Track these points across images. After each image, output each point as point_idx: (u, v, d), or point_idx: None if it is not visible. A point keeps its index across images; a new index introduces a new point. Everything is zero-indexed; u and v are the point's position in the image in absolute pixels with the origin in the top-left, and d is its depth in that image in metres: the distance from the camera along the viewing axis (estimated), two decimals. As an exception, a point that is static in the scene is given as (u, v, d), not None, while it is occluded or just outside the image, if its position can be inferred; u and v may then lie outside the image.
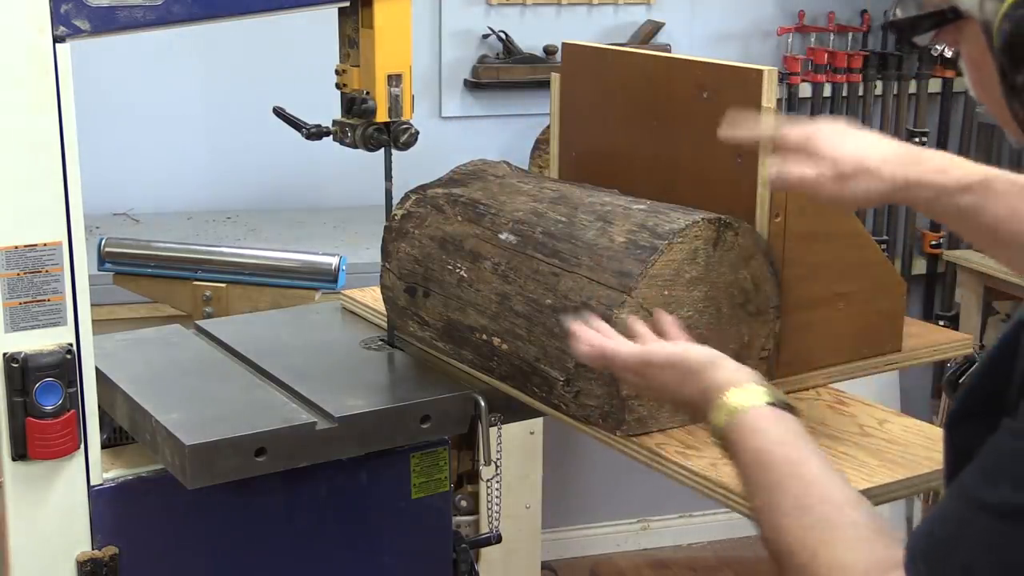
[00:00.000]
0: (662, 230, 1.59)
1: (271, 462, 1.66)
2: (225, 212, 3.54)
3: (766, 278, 1.65)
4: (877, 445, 1.56)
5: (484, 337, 1.76)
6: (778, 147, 1.46)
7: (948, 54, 1.24)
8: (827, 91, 3.93)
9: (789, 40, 3.92)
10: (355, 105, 1.85)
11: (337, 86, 1.90)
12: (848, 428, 1.60)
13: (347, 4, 1.84)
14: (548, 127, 2.34)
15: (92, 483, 1.70)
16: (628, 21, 3.78)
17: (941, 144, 4.06)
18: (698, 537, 4.12)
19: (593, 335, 1.41)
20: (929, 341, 1.87)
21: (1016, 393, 1.00)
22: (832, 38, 3.93)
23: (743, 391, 1.21)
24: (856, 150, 1.39)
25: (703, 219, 1.59)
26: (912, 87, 3.98)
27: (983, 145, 4.05)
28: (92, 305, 1.68)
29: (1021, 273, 1.39)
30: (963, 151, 4.07)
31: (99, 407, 1.71)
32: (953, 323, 3.74)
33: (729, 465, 1.50)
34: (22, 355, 1.61)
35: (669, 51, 3.60)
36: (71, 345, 1.65)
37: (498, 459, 1.92)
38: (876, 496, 1.46)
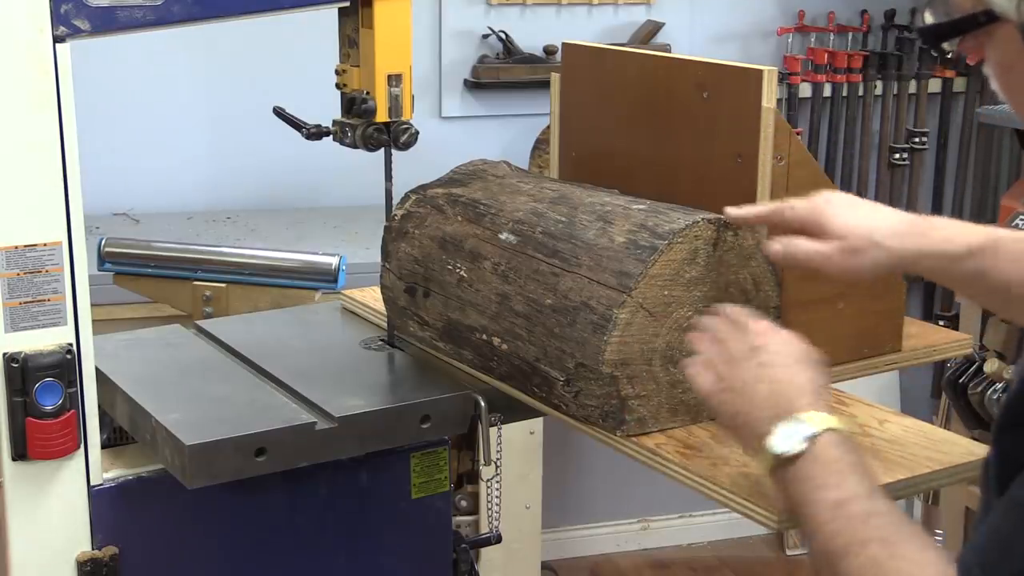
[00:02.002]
0: (662, 230, 1.59)
1: (271, 462, 1.66)
2: (225, 212, 3.54)
3: (766, 278, 1.65)
4: (877, 445, 1.56)
5: (484, 337, 1.76)
6: (784, 221, 1.48)
7: (970, 62, 1.27)
8: (827, 91, 3.93)
9: (789, 40, 3.92)
10: (355, 105, 1.85)
11: (337, 86, 1.90)
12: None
13: (347, 4, 1.84)
14: (548, 127, 2.34)
15: (92, 483, 1.70)
16: (628, 21, 3.78)
17: (941, 144, 4.07)
18: (698, 537, 4.12)
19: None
20: (929, 341, 1.87)
21: None
22: (832, 38, 3.94)
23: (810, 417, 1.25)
24: (864, 223, 1.41)
25: (703, 219, 1.59)
26: (912, 87, 3.99)
27: (983, 145, 4.05)
28: (92, 305, 1.68)
29: None
30: (963, 151, 4.07)
31: (99, 407, 1.71)
32: (953, 323, 3.74)
33: (729, 465, 1.51)
34: (22, 355, 1.61)
35: (669, 51, 3.61)
36: (71, 345, 1.65)
37: (498, 459, 1.92)
38: (876, 496, 1.46)
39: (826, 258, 1.42)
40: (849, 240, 1.41)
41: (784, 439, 1.24)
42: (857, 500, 1.17)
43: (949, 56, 1.30)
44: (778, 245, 1.46)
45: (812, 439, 1.22)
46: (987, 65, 1.14)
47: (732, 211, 1.52)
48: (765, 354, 1.34)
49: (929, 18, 1.15)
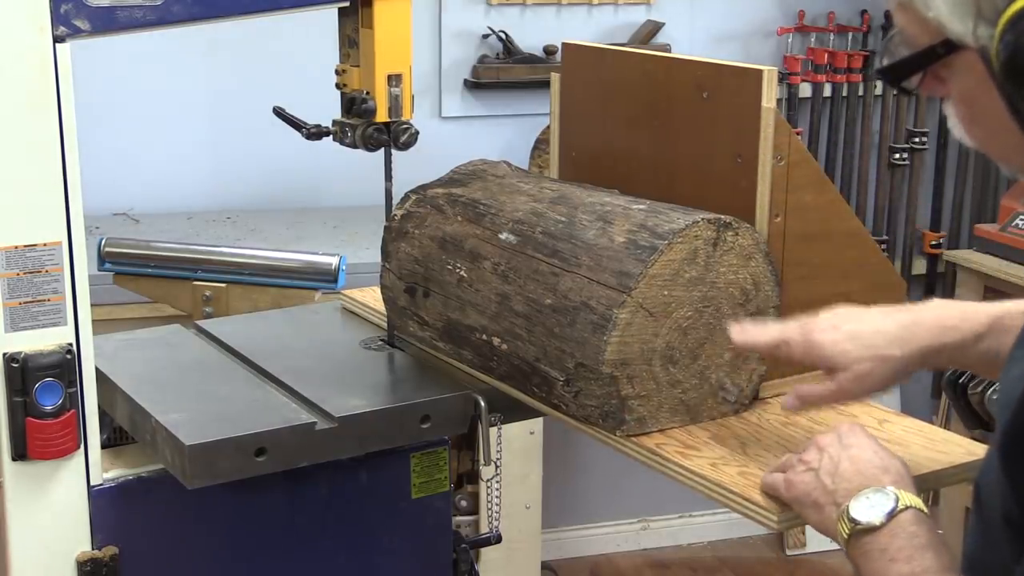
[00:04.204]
0: (662, 230, 1.59)
1: (271, 462, 1.66)
2: (225, 212, 3.54)
3: (766, 278, 1.65)
4: (877, 445, 1.56)
5: (484, 337, 1.76)
6: (786, 357, 1.49)
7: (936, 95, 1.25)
8: (827, 91, 3.93)
9: (789, 40, 3.92)
10: (355, 105, 1.85)
11: (337, 86, 1.90)
12: (848, 428, 1.60)
13: (347, 4, 1.84)
14: (548, 127, 2.34)
15: (92, 483, 1.70)
16: (628, 21, 3.78)
17: (941, 144, 4.07)
18: (698, 537, 4.12)
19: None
20: (929, 341, 1.87)
21: None
22: (832, 38, 3.93)
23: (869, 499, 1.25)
24: (861, 344, 1.41)
25: (703, 219, 1.59)
26: (912, 87, 3.98)
27: (983, 145, 4.04)
28: (92, 305, 1.68)
29: None
30: (963, 151, 4.07)
31: (99, 407, 1.71)
32: (953, 323, 3.73)
33: (729, 465, 1.51)
34: (22, 355, 1.61)
35: (669, 51, 3.61)
36: (71, 345, 1.65)
37: (498, 459, 1.92)
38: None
39: (840, 395, 1.44)
40: (854, 368, 1.41)
41: (866, 509, 1.25)
42: (929, 575, 1.17)
43: (911, 93, 1.24)
44: (794, 401, 1.49)
45: (893, 514, 1.23)
46: (948, 103, 1.12)
47: (736, 336, 1.52)
48: (849, 438, 1.35)
49: (887, 60, 1.13)
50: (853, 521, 1.24)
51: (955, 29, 1.05)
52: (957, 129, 1.13)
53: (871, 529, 1.23)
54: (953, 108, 1.12)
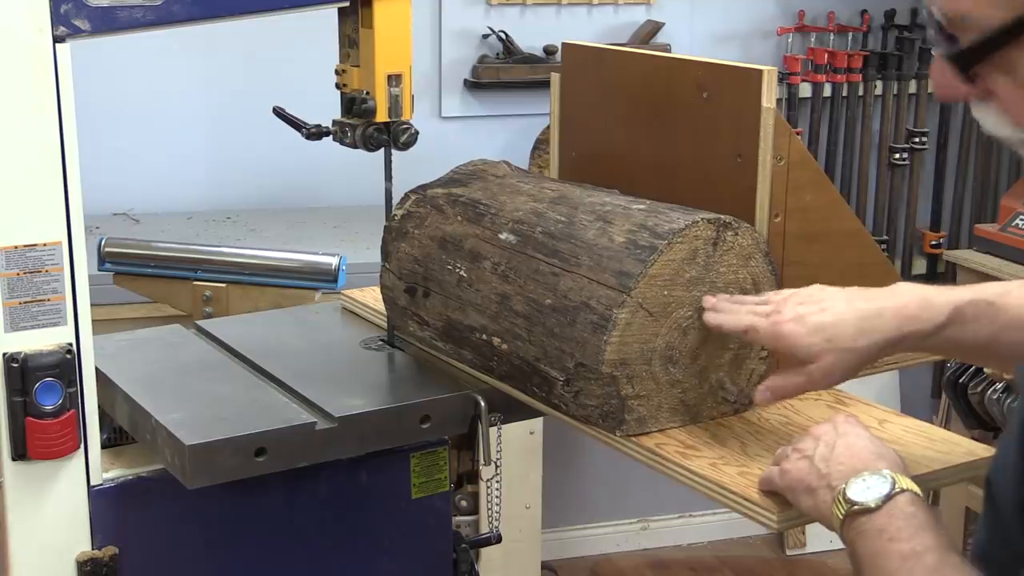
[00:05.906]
0: (662, 230, 1.59)
1: (271, 462, 1.66)
2: (225, 212, 3.54)
3: (766, 278, 1.65)
4: (877, 445, 1.55)
5: (484, 337, 1.76)
6: (753, 338, 1.53)
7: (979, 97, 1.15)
8: (827, 91, 3.93)
9: (789, 40, 3.92)
10: (355, 105, 1.85)
11: (337, 86, 1.90)
12: (848, 428, 1.60)
13: (347, 4, 1.84)
14: (548, 127, 2.34)
15: (92, 483, 1.70)
16: (628, 21, 3.78)
17: (941, 144, 4.06)
18: (698, 537, 4.12)
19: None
20: (929, 341, 1.87)
21: None
22: (832, 38, 3.94)
23: (864, 482, 1.26)
24: (824, 335, 1.43)
25: (703, 219, 1.59)
26: (912, 87, 3.99)
27: (983, 145, 4.05)
28: (92, 305, 1.68)
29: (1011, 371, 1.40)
30: (963, 151, 4.07)
31: (99, 407, 1.71)
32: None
33: (729, 465, 1.51)
34: (22, 355, 1.61)
35: (669, 51, 3.61)
36: (71, 345, 1.65)
37: (498, 459, 1.92)
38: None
39: (810, 386, 1.47)
40: (820, 361, 1.43)
41: (862, 491, 1.25)
42: (930, 553, 1.17)
43: (975, 82, 1.15)
44: (766, 394, 1.51)
45: (890, 496, 1.23)
46: (992, 99, 1.06)
47: (709, 319, 1.57)
48: (844, 427, 1.37)
49: (955, 46, 1.04)
50: (850, 502, 1.24)
51: None
52: (1000, 121, 1.07)
53: (867, 510, 1.23)
54: (1002, 98, 1.05)
